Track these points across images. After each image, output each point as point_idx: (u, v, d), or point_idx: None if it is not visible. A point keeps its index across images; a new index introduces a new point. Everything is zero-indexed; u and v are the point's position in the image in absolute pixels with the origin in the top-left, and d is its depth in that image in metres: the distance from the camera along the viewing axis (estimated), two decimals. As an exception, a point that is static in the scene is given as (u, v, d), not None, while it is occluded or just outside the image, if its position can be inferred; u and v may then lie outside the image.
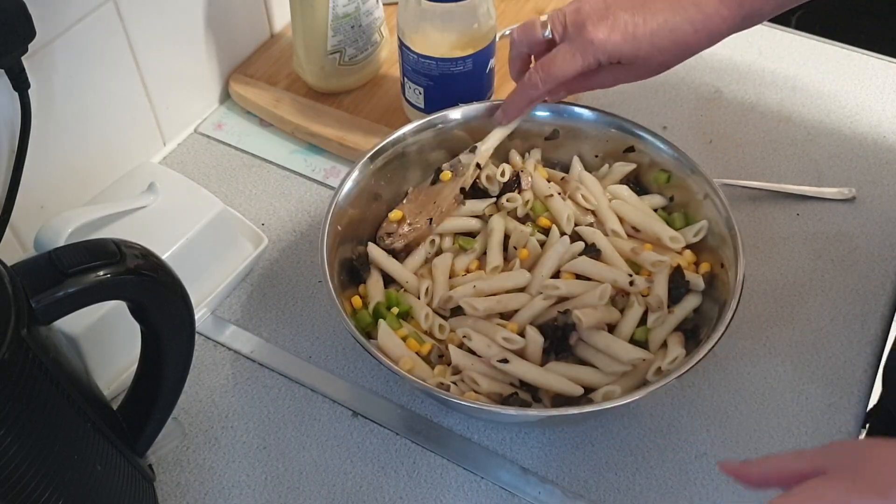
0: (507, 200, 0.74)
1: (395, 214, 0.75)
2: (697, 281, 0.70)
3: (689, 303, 0.69)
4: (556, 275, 0.70)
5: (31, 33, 0.65)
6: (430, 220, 0.73)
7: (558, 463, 0.68)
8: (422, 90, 0.82)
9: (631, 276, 0.68)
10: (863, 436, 0.68)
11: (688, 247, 0.72)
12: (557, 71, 0.69)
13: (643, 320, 0.69)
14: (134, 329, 0.55)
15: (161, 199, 0.72)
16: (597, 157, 0.78)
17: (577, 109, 0.77)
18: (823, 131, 0.90)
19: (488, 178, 0.75)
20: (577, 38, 0.67)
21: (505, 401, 0.64)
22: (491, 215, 0.74)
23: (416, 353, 0.67)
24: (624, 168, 0.76)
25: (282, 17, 0.97)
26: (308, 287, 0.78)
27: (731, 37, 1.00)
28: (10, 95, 0.68)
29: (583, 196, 0.74)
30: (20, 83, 0.67)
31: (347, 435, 0.69)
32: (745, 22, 0.67)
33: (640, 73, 0.70)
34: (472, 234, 0.75)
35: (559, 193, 0.74)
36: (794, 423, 0.69)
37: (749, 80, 0.95)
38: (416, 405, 0.71)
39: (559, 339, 0.66)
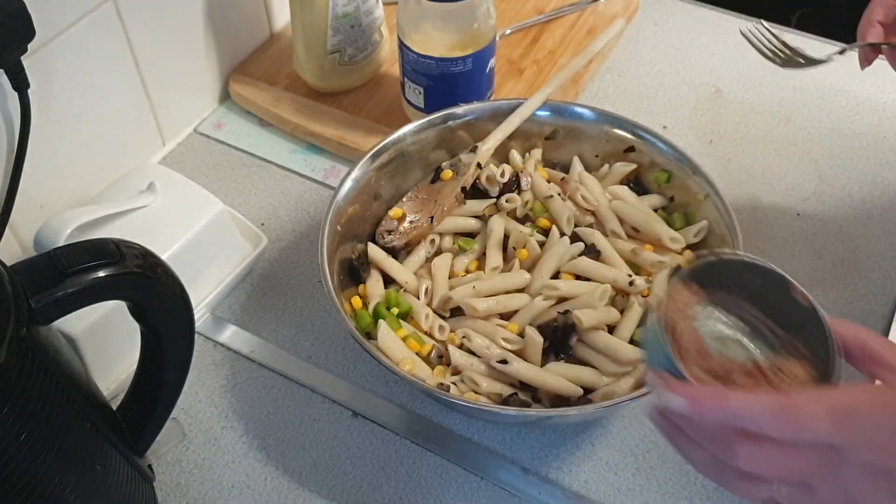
0: (507, 201, 0.74)
1: (395, 212, 0.75)
2: (697, 281, 0.70)
3: (690, 303, 0.69)
4: (556, 275, 0.70)
5: (30, 33, 0.65)
6: (431, 218, 0.73)
7: (558, 463, 0.68)
8: (422, 90, 0.82)
9: (631, 276, 0.68)
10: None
11: (688, 247, 0.72)
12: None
13: (643, 321, 0.69)
14: (134, 329, 0.55)
15: (161, 199, 0.72)
16: (597, 157, 0.78)
17: (577, 109, 0.77)
18: (823, 131, 0.90)
19: (488, 178, 0.75)
20: None
21: (505, 401, 0.64)
22: (490, 216, 0.74)
23: (416, 353, 0.67)
24: (624, 168, 0.76)
25: (282, 16, 0.97)
26: (308, 287, 0.78)
27: (730, 36, 1.00)
28: (9, 95, 0.68)
29: (582, 196, 0.74)
30: (20, 83, 0.67)
31: (347, 435, 0.69)
32: None
33: None
34: (471, 235, 0.75)
35: (559, 194, 0.74)
36: (794, 424, 0.69)
37: (749, 80, 0.95)
38: (416, 405, 0.71)
39: (559, 339, 0.66)
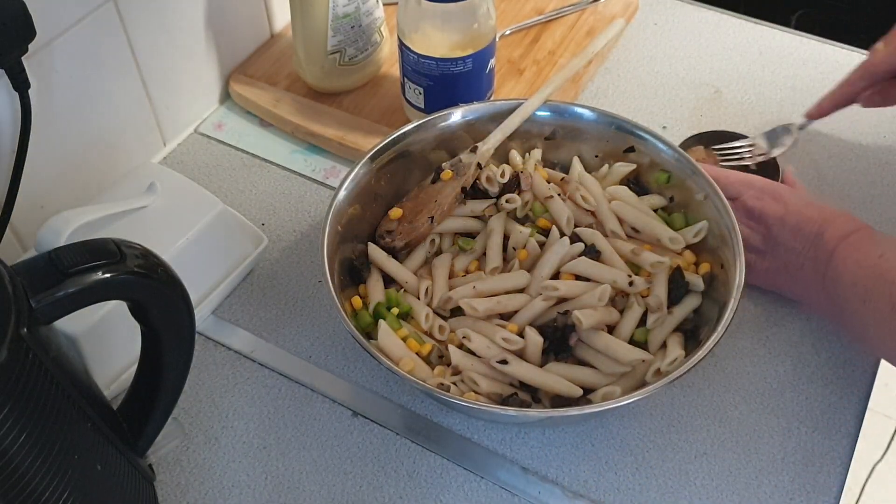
0: (507, 201, 0.74)
1: (395, 212, 0.75)
2: (697, 281, 0.70)
3: (689, 303, 0.69)
4: (556, 276, 0.70)
5: (31, 33, 0.65)
6: (431, 218, 0.73)
7: (558, 462, 0.68)
8: (422, 90, 0.82)
9: (630, 276, 0.68)
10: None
11: (688, 247, 0.72)
12: (869, 65, 0.77)
13: (643, 321, 0.69)
14: (134, 329, 0.55)
15: (161, 199, 0.72)
16: (597, 157, 0.78)
17: (577, 109, 0.77)
18: (823, 131, 0.90)
19: (488, 178, 0.75)
20: (891, 37, 0.77)
21: (505, 401, 0.64)
22: (490, 216, 0.74)
23: (416, 353, 0.67)
24: (624, 168, 0.76)
25: (282, 17, 0.97)
26: (308, 287, 0.78)
27: (730, 36, 1.00)
28: (10, 95, 0.68)
29: (582, 197, 0.74)
30: (20, 83, 0.67)
31: (347, 435, 0.69)
32: None
33: None
34: (471, 235, 0.75)
35: (559, 194, 0.74)
36: (794, 423, 0.69)
37: (749, 80, 0.95)
38: (416, 405, 0.71)
39: (559, 339, 0.66)
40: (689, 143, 0.85)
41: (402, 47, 0.81)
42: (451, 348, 0.66)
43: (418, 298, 0.70)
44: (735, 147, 0.84)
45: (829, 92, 0.82)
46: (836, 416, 0.70)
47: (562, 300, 0.68)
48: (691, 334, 0.68)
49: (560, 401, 0.65)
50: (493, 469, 0.67)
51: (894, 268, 0.64)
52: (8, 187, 0.70)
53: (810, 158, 0.87)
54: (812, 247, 0.70)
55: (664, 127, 0.90)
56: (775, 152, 0.83)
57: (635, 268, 0.71)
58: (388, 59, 0.93)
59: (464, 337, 0.66)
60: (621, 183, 0.77)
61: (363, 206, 0.74)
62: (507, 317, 0.69)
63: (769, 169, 0.83)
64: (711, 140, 0.85)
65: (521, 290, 0.69)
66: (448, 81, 0.81)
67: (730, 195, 0.73)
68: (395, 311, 0.69)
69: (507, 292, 0.69)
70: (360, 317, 0.69)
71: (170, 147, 0.89)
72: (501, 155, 0.78)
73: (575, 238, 0.71)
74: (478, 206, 0.75)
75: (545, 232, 0.73)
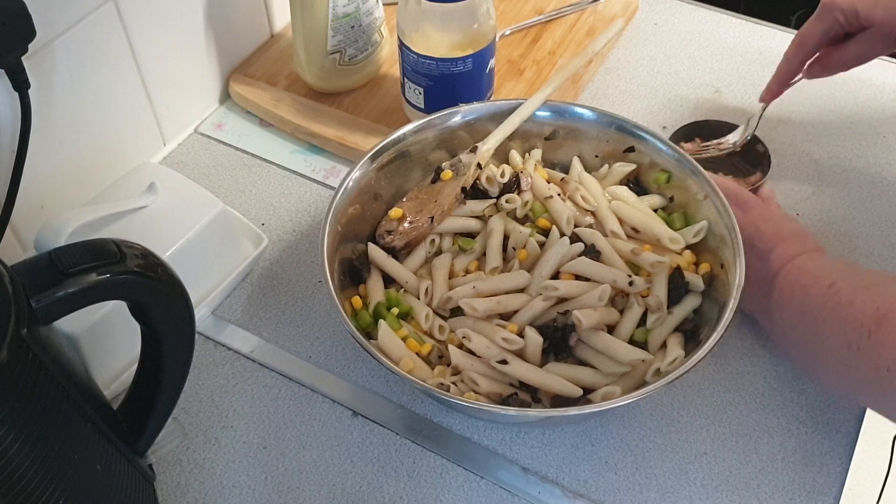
0: (507, 201, 0.74)
1: (395, 212, 0.75)
2: (697, 281, 0.70)
3: (689, 303, 0.69)
4: (556, 276, 0.70)
5: (31, 33, 0.65)
6: (431, 218, 0.74)
7: (558, 462, 0.68)
8: (422, 90, 0.82)
9: (630, 276, 0.68)
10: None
11: (688, 247, 0.72)
12: (800, 37, 0.79)
13: (643, 321, 0.69)
14: (134, 329, 0.55)
15: (161, 199, 0.72)
16: (597, 157, 0.78)
17: (577, 109, 0.77)
18: (823, 131, 0.90)
19: (488, 178, 0.75)
20: (819, 6, 0.77)
21: (505, 401, 0.64)
22: (490, 216, 0.74)
23: (416, 353, 0.67)
24: (624, 168, 0.76)
25: (282, 17, 0.97)
26: (308, 287, 0.78)
27: (731, 36, 1.00)
28: (10, 95, 0.68)
29: (582, 197, 0.74)
30: (20, 83, 0.67)
31: (347, 435, 0.69)
32: None
33: (886, 40, 0.75)
34: (471, 235, 0.75)
35: (559, 194, 0.74)
36: (793, 423, 0.69)
37: (749, 80, 0.95)
38: (416, 405, 0.71)
39: (558, 339, 0.66)
40: (679, 135, 0.86)
41: (402, 47, 0.81)
42: (451, 348, 0.66)
43: (418, 298, 0.70)
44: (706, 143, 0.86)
45: (773, 74, 0.83)
46: (836, 416, 0.70)
47: (562, 300, 0.68)
48: (691, 334, 0.68)
49: (560, 401, 0.65)
50: (493, 469, 0.67)
51: (848, 301, 0.61)
52: (8, 187, 0.70)
53: (810, 158, 0.87)
54: (759, 264, 0.69)
55: (664, 127, 0.90)
56: (731, 139, 0.85)
57: (635, 268, 0.71)
58: (388, 59, 0.93)
59: (464, 337, 0.66)
60: (621, 183, 0.77)
61: (363, 206, 0.74)
62: (507, 317, 0.69)
63: (753, 154, 0.84)
64: (702, 130, 0.86)
65: (521, 290, 0.69)
66: (448, 81, 0.81)
67: None
68: (395, 311, 0.69)
69: (507, 292, 0.69)
70: (360, 317, 0.69)
71: (170, 147, 0.89)
72: (501, 155, 0.78)
73: (575, 238, 0.71)
74: (478, 206, 0.75)
75: (545, 232, 0.73)
